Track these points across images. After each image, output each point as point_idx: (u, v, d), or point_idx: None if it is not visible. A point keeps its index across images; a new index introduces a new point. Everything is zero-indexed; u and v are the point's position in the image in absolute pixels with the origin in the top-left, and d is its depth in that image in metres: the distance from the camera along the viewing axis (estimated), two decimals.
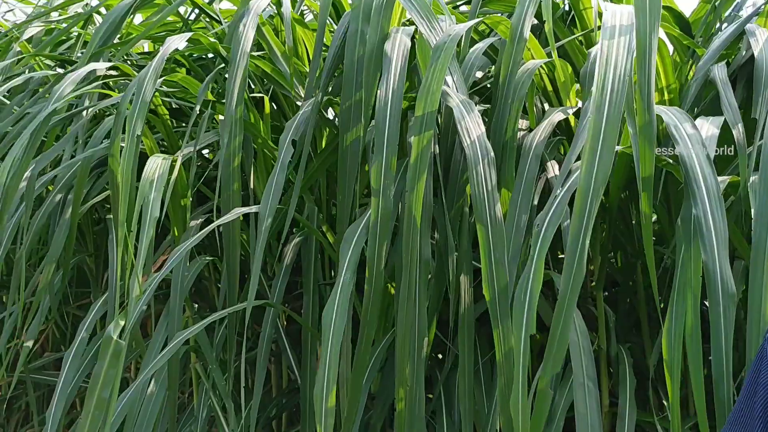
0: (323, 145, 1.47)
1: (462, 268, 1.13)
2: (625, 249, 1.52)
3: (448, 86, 1.12)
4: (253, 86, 1.58)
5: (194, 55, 1.94)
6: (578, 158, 0.97)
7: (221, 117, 1.45)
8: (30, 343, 1.53)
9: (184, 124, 1.75)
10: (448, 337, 1.25)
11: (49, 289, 1.54)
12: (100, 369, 0.99)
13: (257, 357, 1.31)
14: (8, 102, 1.79)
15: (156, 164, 1.16)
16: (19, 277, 1.36)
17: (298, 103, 1.46)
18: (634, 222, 1.52)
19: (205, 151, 1.84)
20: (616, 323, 1.37)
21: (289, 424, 1.75)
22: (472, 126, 1.04)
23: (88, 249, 1.81)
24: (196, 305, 1.70)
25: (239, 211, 1.19)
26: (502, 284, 0.99)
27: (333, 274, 1.60)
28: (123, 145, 1.16)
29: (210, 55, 1.93)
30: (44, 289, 1.46)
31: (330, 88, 1.36)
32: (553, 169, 1.18)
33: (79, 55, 1.82)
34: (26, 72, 1.83)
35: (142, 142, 1.32)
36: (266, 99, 1.49)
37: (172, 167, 1.20)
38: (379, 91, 1.09)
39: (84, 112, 1.44)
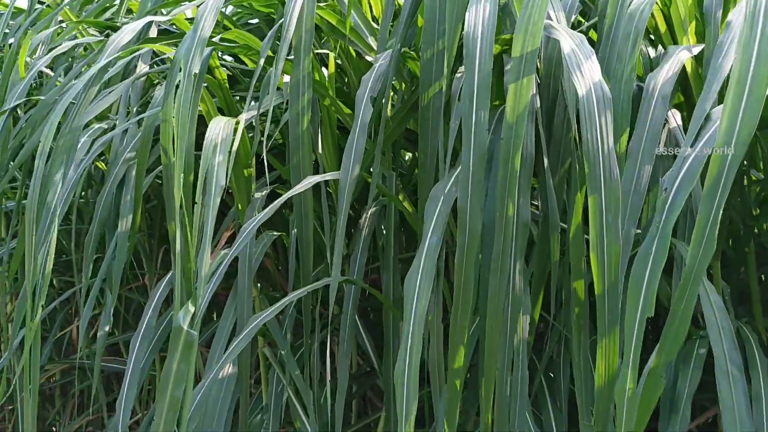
0: (390, 107, 1.33)
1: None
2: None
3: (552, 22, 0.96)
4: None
5: (241, 21, 1.81)
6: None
7: (285, 78, 1.31)
8: (108, 328, 1.41)
9: (233, 92, 1.63)
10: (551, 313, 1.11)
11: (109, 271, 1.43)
12: (171, 364, 0.86)
13: (340, 340, 1.18)
14: (52, 73, 1.68)
15: (219, 127, 1.02)
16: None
17: (368, 59, 1.31)
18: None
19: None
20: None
21: (360, 414, 1.63)
22: (588, 72, 0.87)
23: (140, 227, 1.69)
24: (258, 284, 1.58)
25: (313, 179, 1.05)
26: (613, 259, 0.84)
27: (404, 248, 1.47)
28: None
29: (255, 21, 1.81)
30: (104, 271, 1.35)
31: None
32: (674, 118, 1.01)
33: (125, 20, 1.70)
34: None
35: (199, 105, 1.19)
36: (331, 56, 1.35)
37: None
38: (467, 15, 0.92)
39: (138, 68, 1.29)
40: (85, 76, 1.12)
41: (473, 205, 0.88)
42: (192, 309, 0.88)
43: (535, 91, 1.01)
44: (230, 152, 1.01)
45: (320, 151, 1.28)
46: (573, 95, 0.91)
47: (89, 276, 1.39)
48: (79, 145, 1.29)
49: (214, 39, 1.23)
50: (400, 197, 1.27)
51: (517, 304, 0.94)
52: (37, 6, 1.99)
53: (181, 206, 0.95)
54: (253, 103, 1.25)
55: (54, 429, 2.33)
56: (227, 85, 1.34)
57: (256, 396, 1.49)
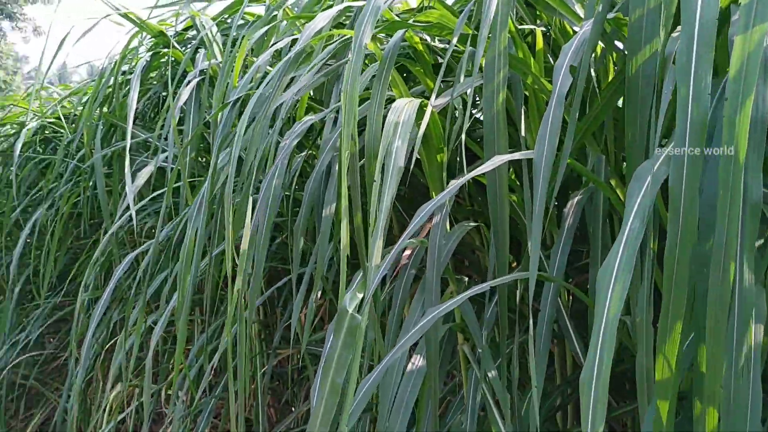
0: (609, 79, 1.18)
1: None
2: None
3: None
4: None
5: None
6: None
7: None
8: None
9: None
10: None
11: (319, 260, 1.45)
12: (333, 348, 0.83)
13: (534, 341, 1.06)
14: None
15: (400, 107, 0.97)
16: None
17: (576, 29, 1.18)
18: None
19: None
20: None
21: (577, 419, 1.49)
22: None
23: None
24: (467, 279, 1.51)
25: (503, 158, 0.95)
26: None
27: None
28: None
29: None
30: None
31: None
32: None
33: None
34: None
35: (390, 89, 1.15)
36: (538, 31, 1.24)
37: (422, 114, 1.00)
38: None
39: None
40: (279, 66, 1.13)
41: (689, 184, 0.73)
42: (360, 295, 0.83)
43: None
44: (415, 133, 0.95)
45: (523, 133, 1.18)
46: None
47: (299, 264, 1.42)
48: (295, 134, 1.32)
49: (409, 21, 1.18)
50: (613, 182, 1.13)
51: (747, 305, 0.76)
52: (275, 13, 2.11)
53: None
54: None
55: (293, 408, 2.46)
56: (431, 69, 1.28)
57: (460, 396, 1.43)
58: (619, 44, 1.15)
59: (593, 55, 1.20)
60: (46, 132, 3.24)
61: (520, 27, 1.26)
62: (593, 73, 1.14)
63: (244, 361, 1.16)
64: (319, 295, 1.68)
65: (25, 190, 3.33)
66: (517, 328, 1.18)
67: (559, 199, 1.31)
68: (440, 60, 1.42)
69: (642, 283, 0.81)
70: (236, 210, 1.29)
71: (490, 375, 1.13)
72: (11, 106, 3.59)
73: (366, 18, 0.95)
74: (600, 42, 1.18)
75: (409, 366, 1.08)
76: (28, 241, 2.91)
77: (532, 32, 1.28)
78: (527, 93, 1.23)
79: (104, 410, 2.43)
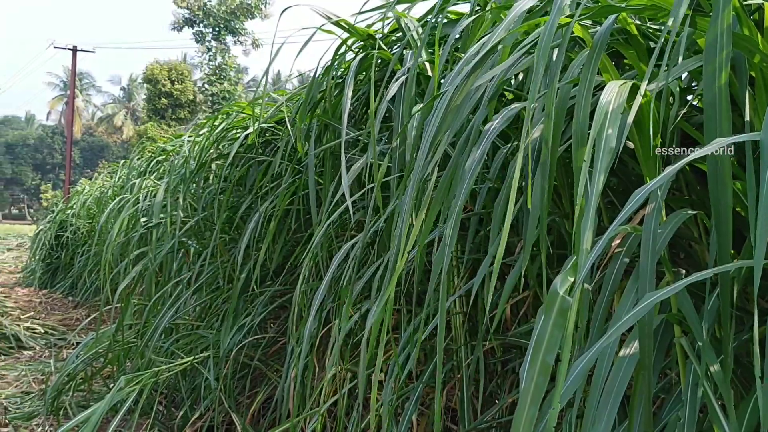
0: None
1: None
2: None
3: None
4: None
5: None
6: None
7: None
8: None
9: None
10: None
11: (524, 253, 1.46)
12: (544, 328, 0.83)
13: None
14: None
15: (612, 89, 0.95)
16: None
17: None
18: None
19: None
20: None
21: None
22: None
23: (563, 208, 1.68)
24: (684, 272, 1.44)
25: (726, 140, 0.90)
26: None
27: None
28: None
29: None
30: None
31: None
32: None
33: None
34: None
35: (599, 74, 1.12)
36: (767, 6, 1.15)
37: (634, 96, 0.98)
38: None
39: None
40: (472, 52, 1.14)
41: None
42: (571, 278, 0.83)
43: None
44: (626, 117, 0.93)
45: (747, 118, 1.11)
46: None
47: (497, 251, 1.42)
48: (499, 119, 1.33)
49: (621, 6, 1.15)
50: None
51: None
52: (476, 7, 2.14)
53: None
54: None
55: (497, 401, 2.47)
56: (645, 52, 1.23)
57: (676, 394, 1.36)
58: None
59: None
60: (267, 135, 3.52)
61: (746, 3, 1.17)
62: None
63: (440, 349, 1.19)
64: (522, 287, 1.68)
65: (249, 187, 3.64)
66: (755, 321, 1.10)
67: None
68: (653, 45, 1.36)
69: None
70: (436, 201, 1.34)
71: (712, 369, 1.07)
72: (236, 113, 3.94)
73: None
74: None
75: (621, 353, 1.05)
76: (253, 234, 3.18)
77: (760, 7, 1.20)
78: (753, 73, 1.15)
79: (319, 392, 2.60)
